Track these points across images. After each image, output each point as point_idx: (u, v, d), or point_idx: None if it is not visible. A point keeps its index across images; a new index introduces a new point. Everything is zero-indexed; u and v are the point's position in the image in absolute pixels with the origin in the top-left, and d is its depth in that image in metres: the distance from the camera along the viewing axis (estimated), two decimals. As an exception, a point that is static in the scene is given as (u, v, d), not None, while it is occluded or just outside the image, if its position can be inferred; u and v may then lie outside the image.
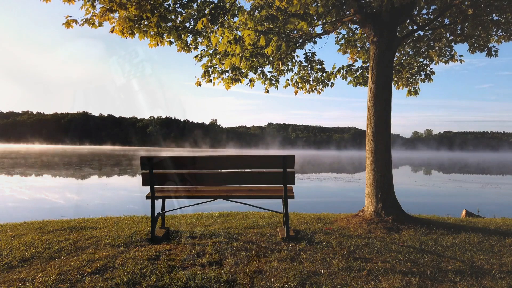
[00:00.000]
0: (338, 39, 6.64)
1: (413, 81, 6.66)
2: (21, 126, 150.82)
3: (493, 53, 5.43)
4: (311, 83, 6.97)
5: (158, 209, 3.84)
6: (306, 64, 6.70)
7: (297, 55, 6.58)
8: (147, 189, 3.73)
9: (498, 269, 2.89)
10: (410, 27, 6.01)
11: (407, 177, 23.00)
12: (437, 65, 6.50)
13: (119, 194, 12.36)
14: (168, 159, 3.70)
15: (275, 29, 4.95)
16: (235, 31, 5.35)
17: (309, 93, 7.11)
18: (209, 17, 4.87)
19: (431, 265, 2.99)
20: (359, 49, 6.66)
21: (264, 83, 6.56)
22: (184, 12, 5.23)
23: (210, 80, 6.22)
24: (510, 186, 18.87)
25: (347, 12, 5.24)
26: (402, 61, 6.66)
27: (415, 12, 5.57)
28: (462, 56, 6.28)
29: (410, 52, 6.53)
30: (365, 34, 5.64)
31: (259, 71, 6.37)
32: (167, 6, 5.03)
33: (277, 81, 6.56)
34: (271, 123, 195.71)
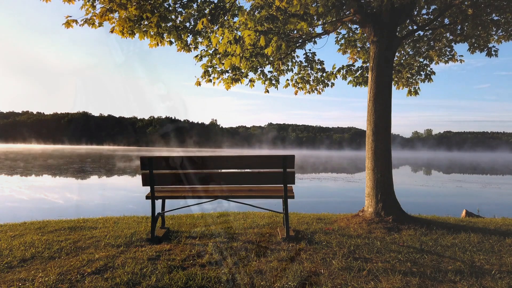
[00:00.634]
0: (338, 39, 6.64)
1: (413, 81, 6.66)
2: (21, 126, 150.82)
3: (493, 53, 5.43)
4: (311, 83, 6.97)
5: (158, 209, 3.85)
6: (306, 64, 6.71)
7: (297, 55, 6.59)
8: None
9: (498, 269, 2.89)
10: (410, 27, 6.01)
11: (407, 177, 23.00)
12: (437, 65, 6.50)
13: (118, 194, 12.37)
14: (168, 159, 3.70)
15: (275, 29, 4.95)
16: (235, 31, 5.35)
17: (309, 93, 7.11)
18: (209, 17, 4.87)
19: (431, 265, 2.99)
20: (359, 49, 6.66)
21: (264, 83, 6.56)
22: (184, 12, 5.23)
23: (210, 80, 6.22)
24: (510, 186, 18.87)
25: (347, 12, 5.24)
26: (402, 61, 6.66)
27: (415, 12, 5.57)
28: (462, 56, 6.28)
29: (410, 52, 6.53)
30: (365, 34, 5.64)
31: (259, 71, 6.37)
32: (167, 6, 5.04)
33: (277, 81, 6.56)
34: (271, 123, 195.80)
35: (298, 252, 3.29)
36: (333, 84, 6.97)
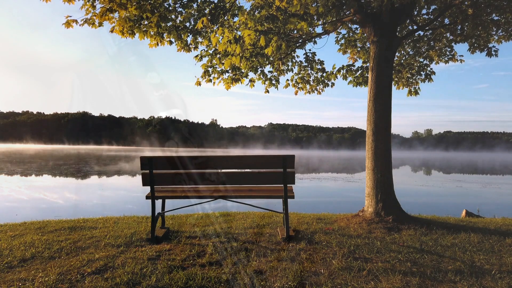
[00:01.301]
0: (338, 39, 6.64)
1: (413, 81, 6.66)
2: (21, 126, 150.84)
3: (493, 53, 5.42)
4: (311, 83, 6.97)
5: (158, 209, 3.85)
6: (306, 64, 6.70)
7: (297, 55, 6.59)
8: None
9: (498, 269, 2.89)
10: (410, 27, 6.01)
11: (407, 177, 23.00)
12: (437, 65, 6.50)
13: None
14: (168, 159, 3.70)
15: (275, 29, 4.95)
16: (235, 31, 5.35)
17: (309, 93, 7.11)
18: (209, 17, 4.87)
19: (431, 265, 2.99)
20: (359, 49, 6.66)
21: (264, 83, 6.56)
22: (184, 12, 5.23)
23: (210, 80, 6.22)
24: (510, 186, 18.87)
25: (347, 12, 5.24)
26: (402, 61, 6.66)
27: (415, 12, 5.57)
28: (462, 56, 6.28)
29: (410, 52, 6.52)
30: (365, 34, 5.64)
31: (259, 71, 6.37)
32: (167, 6, 5.04)
33: (277, 81, 6.56)
34: (271, 123, 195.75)
35: (298, 252, 3.29)
36: (333, 84, 6.97)
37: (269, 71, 6.52)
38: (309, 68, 6.78)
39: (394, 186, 4.77)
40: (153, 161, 3.65)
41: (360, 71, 6.71)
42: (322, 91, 7.05)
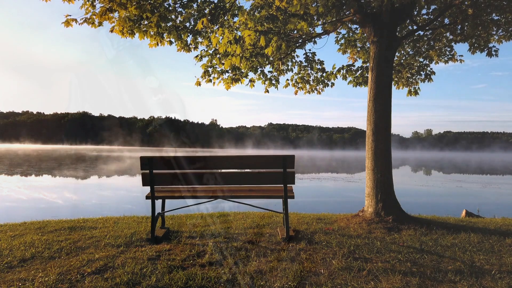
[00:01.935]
0: (338, 39, 6.64)
1: (413, 81, 6.66)
2: (21, 126, 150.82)
3: (493, 53, 5.42)
4: (311, 83, 6.97)
5: (158, 209, 3.84)
6: (306, 64, 6.70)
7: (297, 55, 6.59)
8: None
9: (498, 269, 2.89)
10: (410, 27, 6.01)
11: (407, 177, 23.00)
12: (436, 65, 6.50)
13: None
14: (168, 159, 3.70)
15: (275, 29, 4.95)
16: (235, 31, 5.35)
17: (309, 93, 7.11)
18: (209, 17, 4.87)
19: (431, 265, 2.99)
20: (359, 49, 6.66)
21: (264, 83, 6.56)
22: (184, 12, 5.23)
23: (210, 80, 6.22)
24: (510, 186, 18.86)
25: (347, 12, 5.24)
26: (402, 61, 6.66)
27: (415, 12, 5.57)
28: (462, 56, 6.28)
29: (410, 52, 6.52)
30: (365, 34, 5.64)
31: (259, 71, 6.37)
32: (167, 6, 5.03)
33: (277, 81, 6.56)
34: (271, 123, 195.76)
35: (298, 252, 3.29)
36: (333, 84, 6.97)
37: (269, 71, 6.53)
38: (309, 68, 6.79)
39: (394, 186, 4.77)
40: (153, 161, 3.65)
41: (360, 71, 6.71)
42: (322, 91, 7.05)
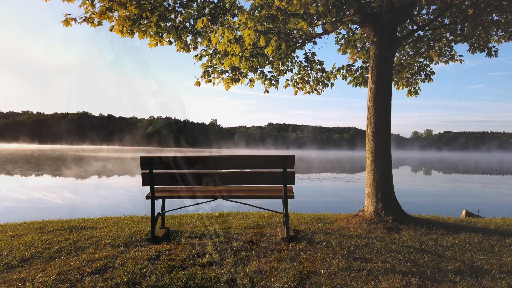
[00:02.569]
0: (338, 39, 6.64)
1: (413, 81, 6.66)
2: (21, 126, 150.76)
3: (493, 53, 5.42)
4: (311, 83, 6.97)
5: (158, 209, 3.84)
6: (306, 64, 6.70)
7: (297, 55, 6.59)
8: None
9: (498, 269, 2.89)
10: (410, 27, 6.01)
11: (407, 177, 23.00)
12: (436, 65, 6.50)
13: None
14: (168, 159, 3.70)
15: (275, 29, 4.95)
16: (235, 31, 5.35)
17: (309, 93, 7.11)
18: (209, 17, 4.87)
19: (431, 265, 2.99)
20: (359, 49, 6.66)
21: (264, 83, 6.56)
22: (184, 11, 5.22)
23: (210, 80, 6.22)
24: (510, 186, 18.87)
25: (347, 12, 5.24)
26: (402, 61, 6.66)
27: (415, 12, 5.57)
28: (462, 56, 6.28)
29: (410, 52, 6.52)
30: (365, 34, 5.64)
31: (259, 71, 6.37)
32: (167, 6, 5.03)
33: (277, 81, 6.56)
34: (271, 123, 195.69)
35: (298, 252, 3.28)
36: (332, 84, 6.97)
37: (269, 71, 6.53)
38: (308, 68, 6.78)
39: (394, 186, 4.77)
40: (153, 161, 3.65)
41: (360, 71, 6.71)
42: (321, 91, 7.05)
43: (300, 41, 6.06)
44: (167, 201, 4.19)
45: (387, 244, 3.60)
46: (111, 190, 13.74)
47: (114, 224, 4.56)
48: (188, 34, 5.46)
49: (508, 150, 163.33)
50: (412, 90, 6.72)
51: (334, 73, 6.81)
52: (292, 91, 7.19)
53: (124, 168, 25.89)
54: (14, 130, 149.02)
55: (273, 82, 6.54)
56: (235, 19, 5.49)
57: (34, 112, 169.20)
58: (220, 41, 4.97)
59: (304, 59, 6.58)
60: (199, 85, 6.28)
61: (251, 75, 6.32)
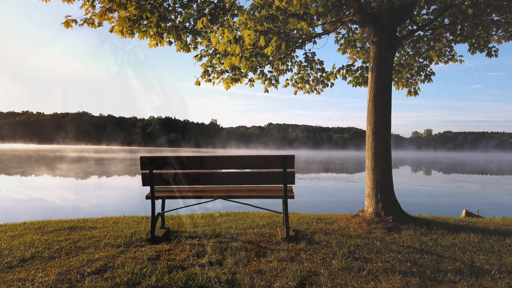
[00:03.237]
0: (338, 39, 6.64)
1: (413, 81, 6.66)
2: (21, 126, 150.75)
3: (493, 53, 5.42)
4: (311, 83, 6.97)
5: (158, 209, 3.84)
6: (305, 64, 6.70)
7: (296, 55, 6.59)
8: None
9: (498, 269, 2.89)
10: (410, 27, 6.01)
11: (407, 177, 23.00)
12: (436, 65, 6.50)
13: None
14: (168, 159, 3.70)
15: (275, 29, 4.96)
16: (235, 31, 5.35)
17: (309, 93, 7.11)
18: (209, 17, 4.87)
19: (431, 265, 2.99)
20: (359, 49, 6.66)
21: (264, 83, 6.56)
22: (184, 12, 5.22)
23: (210, 80, 6.22)
24: (510, 186, 18.87)
25: (347, 12, 5.24)
26: (402, 61, 6.66)
27: (415, 12, 5.57)
28: (461, 56, 6.28)
29: (410, 52, 6.53)
30: (365, 34, 5.64)
31: (259, 71, 6.37)
32: (167, 6, 5.03)
33: (277, 81, 6.56)
34: (271, 123, 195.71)
35: (298, 252, 3.28)
36: (332, 84, 6.97)
37: (268, 71, 6.53)
38: (308, 68, 6.79)
39: (394, 186, 4.77)
40: (153, 161, 3.65)
41: (359, 71, 6.71)
42: (321, 91, 7.05)
43: (300, 41, 6.06)
44: (167, 201, 4.19)
45: (387, 244, 3.60)
46: (111, 190, 13.74)
47: (114, 224, 4.56)
48: (188, 34, 5.46)
49: (508, 150, 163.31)
50: (412, 90, 6.72)
51: (334, 73, 6.81)
52: (292, 91, 7.20)
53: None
54: (14, 130, 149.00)
55: (273, 81, 6.54)
56: (235, 19, 5.49)
57: (34, 112, 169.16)
58: (220, 41, 4.97)
59: (304, 59, 6.59)
60: (199, 84, 6.28)
61: (251, 75, 6.33)
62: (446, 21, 5.61)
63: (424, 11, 5.70)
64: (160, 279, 2.61)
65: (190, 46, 5.74)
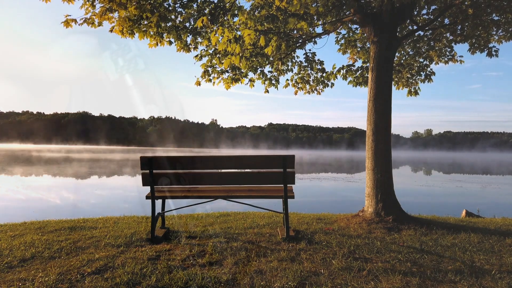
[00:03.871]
0: (338, 39, 6.64)
1: (413, 81, 6.66)
2: (21, 126, 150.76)
3: (494, 53, 5.42)
4: (311, 83, 6.97)
5: (158, 209, 3.84)
6: (306, 64, 6.70)
7: (297, 55, 6.59)
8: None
9: (498, 269, 2.89)
10: (410, 27, 6.01)
11: (407, 177, 23.00)
12: (436, 65, 6.50)
13: None
14: (168, 159, 3.70)
15: (275, 29, 4.95)
16: (235, 31, 5.35)
17: (309, 93, 7.11)
18: (209, 17, 4.87)
19: (431, 265, 2.99)
20: (359, 49, 6.66)
21: (264, 83, 6.56)
22: (184, 12, 5.22)
23: (210, 80, 6.22)
24: (510, 186, 18.87)
25: (347, 12, 5.24)
26: (402, 61, 6.66)
27: (415, 12, 5.57)
28: (462, 56, 6.28)
29: (410, 52, 6.52)
30: (365, 34, 5.64)
31: (259, 71, 6.37)
32: (167, 6, 5.03)
33: (277, 81, 6.56)
34: (271, 123, 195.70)
35: (298, 252, 3.28)
36: (333, 84, 6.97)
37: (269, 71, 6.53)
38: (309, 68, 6.78)
39: (394, 186, 4.77)
40: (153, 161, 3.65)
41: (360, 71, 6.71)
42: (322, 91, 7.05)
43: (300, 41, 6.06)
44: (167, 201, 4.19)
45: (387, 244, 3.60)
46: (110, 190, 13.75)
47: (114, 224, 4.56)
48: (188, 34, 5.46)
49: (508, 150, 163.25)
50: (412, 90, 6.72)
51: (334, 73, 6.81)
52: (292, 91, 7.20)
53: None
54: (13, 130, 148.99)
55: (273, 82, 6.54)
56: (235, 19, 5.49)
57: (34, 112, 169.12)
58: (220, 41, 4.97)
59: (304, 59, 6.59)
60: (199, 85, 6.28)
61: (251, 75, 6.33)
62: (446, 21, 5.60)
63: (424, 11, 5.70)
64: (160, 279, 2.61)
65: (190, 46, 5.74)
